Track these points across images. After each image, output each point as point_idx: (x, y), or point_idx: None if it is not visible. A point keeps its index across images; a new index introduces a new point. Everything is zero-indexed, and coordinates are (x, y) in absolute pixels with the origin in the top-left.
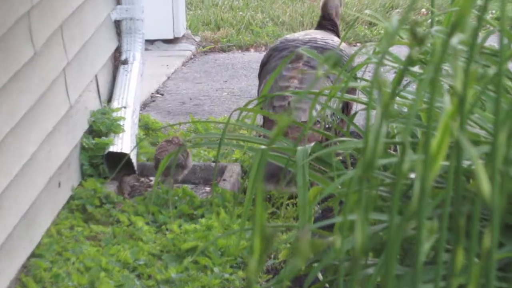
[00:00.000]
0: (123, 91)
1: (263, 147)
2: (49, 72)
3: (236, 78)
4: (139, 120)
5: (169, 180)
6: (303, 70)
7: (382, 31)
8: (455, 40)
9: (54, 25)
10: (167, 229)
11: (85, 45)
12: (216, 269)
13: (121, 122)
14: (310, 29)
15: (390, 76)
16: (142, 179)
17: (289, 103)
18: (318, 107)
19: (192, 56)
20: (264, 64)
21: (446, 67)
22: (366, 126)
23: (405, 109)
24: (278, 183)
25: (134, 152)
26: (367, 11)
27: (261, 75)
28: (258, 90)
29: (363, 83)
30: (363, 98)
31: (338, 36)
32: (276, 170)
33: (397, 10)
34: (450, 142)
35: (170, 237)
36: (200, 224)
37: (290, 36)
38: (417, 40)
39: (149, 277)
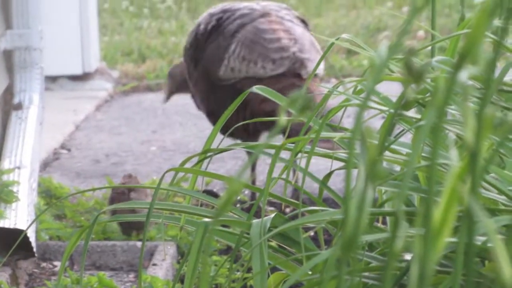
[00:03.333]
0: (17, 146)
1: (207, 219)
2: None
3: (168, 127)
4: (39, 185)
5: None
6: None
7: (366, 62)
8: (464, 74)
9: None
10: None
11: None
12: None
13: (15, 188)
14: None
15: (377, 124)
16: (44, 264)
17: (294, 54)
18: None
19: (109, 98)
20: (207, 32)
21: (452, 110)
22: (346, 191)
23: (398, 168)
24: None
25: (33, 228)
26: (344, 36)
27: (208, 41)
28: (191, 72)
29: (341, 133)
30: (341, 153)
31: None
32: None
33: (385, 33)
34: (458, 211)
35: None
36: None
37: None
38: (413, 74)
39: None
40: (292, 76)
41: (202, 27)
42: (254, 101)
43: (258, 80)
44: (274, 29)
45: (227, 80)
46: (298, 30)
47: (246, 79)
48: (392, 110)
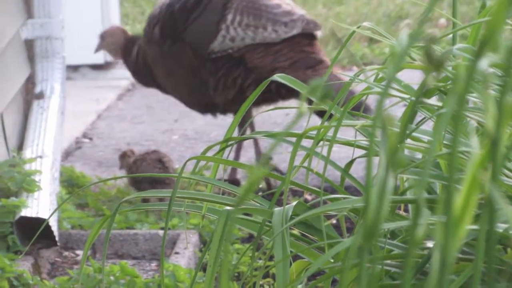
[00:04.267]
0: (39, 136)
1: (228, 208)
2: None
3: (190, 116)
4: (61, 174)
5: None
6: None
7: (387, 51)
8: (484, 62)
9: None
10: None
11: None
12: None
13: (37, 177)
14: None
15: (399, 111)
16: (66, 253)
17: (303, 16)
18: None
19: (131, 87)
20: (187, 9)
21: (473, 98)
22: (367, 178)
23: (419, 155)
24: None
25: (55, 217)
26: (366, 24)
27: (191, 18)
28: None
29: (362, 121)
30: (362, 141)
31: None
32: None
33: (407, 21)
34: (479, 199)
35: None
36: None
37: None
38: (434, 62)
39: None
40: (303, 37)
41: (178, 5)
42: (251, 58)
43: (266, 45)
44: None
45: (222, 51)
46: None
47: (249, 46)
48: (413, 98)
